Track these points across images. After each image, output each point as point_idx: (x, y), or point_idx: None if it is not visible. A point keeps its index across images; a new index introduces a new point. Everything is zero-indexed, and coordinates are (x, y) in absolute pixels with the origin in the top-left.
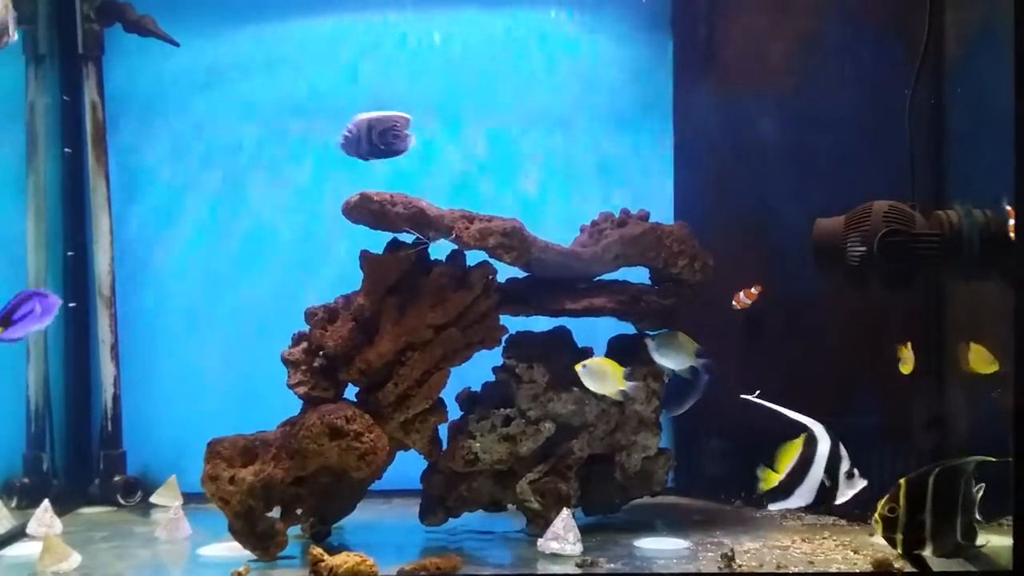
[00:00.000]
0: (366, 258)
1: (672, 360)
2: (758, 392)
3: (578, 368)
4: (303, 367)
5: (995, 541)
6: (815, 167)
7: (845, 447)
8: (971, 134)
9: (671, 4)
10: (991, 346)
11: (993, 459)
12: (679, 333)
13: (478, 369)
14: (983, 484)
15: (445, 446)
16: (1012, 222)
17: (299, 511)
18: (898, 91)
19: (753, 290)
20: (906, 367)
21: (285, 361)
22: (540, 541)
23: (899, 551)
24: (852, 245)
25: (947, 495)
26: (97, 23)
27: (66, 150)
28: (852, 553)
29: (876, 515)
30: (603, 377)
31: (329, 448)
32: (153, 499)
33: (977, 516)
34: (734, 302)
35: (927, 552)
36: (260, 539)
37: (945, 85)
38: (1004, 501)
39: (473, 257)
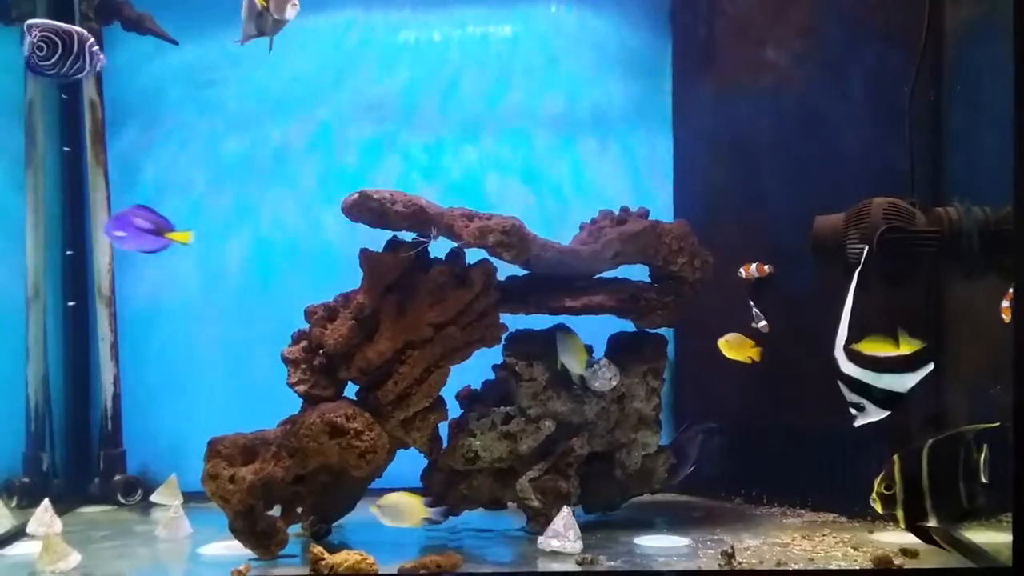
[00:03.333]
0: (366, 256)
1: (567, 360)
2: None
3: (373, 509)
4: (303, 365)
5: (996, 538)
6: (814, 164)
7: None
8: (970, 131)
9: (670, 3)
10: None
11: (990, 426)
12: (577, 340)
13: (478, 367)
14: (986, 446)
15: (445, 444)
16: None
17: (299, 509)
18: (897, 88)
19: (766, 267)
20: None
21: (285, 360)
22: (540, 539)
23: (902, 527)
24: (852, 242)
25: (945, 464)
26: (96, 21)
27: (65, 149)
28: (852, 550)
29: (874, 494)
30: (401, 514)
31: (329, 446)
32: (153, 498)
33: (983, 479)
34: (741, 271)
35: (931, 523)
36: (260, 538)
37: (944, 82)
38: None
39: (473, 255)
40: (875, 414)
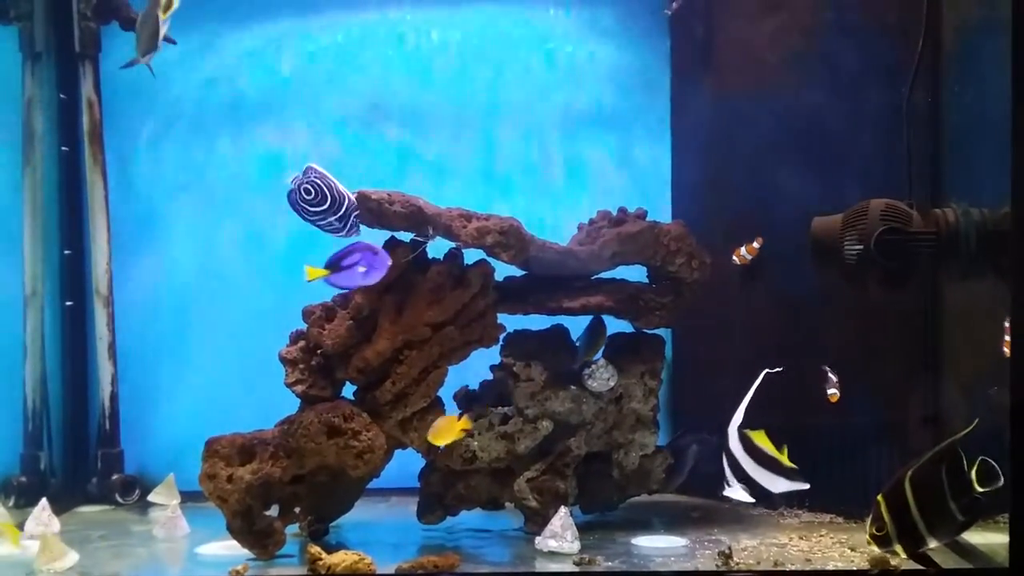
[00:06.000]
0: None
1: (581, 344)
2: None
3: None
4: (301, 366)
5: (992, 538)
6: (812, 166)
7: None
8: (968, 132)
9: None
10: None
11: (962, 434)
12: (600, 338)
13: (476, 367)
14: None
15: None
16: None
17: (297, 509)
18: (895, 90)
19: (755, 244)
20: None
21: (283, 360)
22: (538, 539)
23: (904, 556)
24: (849, 243)
25: (930, 490)
26: (94, 21)
27: (63, 148)
28: (849, 551)
29: (867, 537)
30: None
31: (327, 446)
32: (151, 498)
33: (978, 488)
34: (734, 257)
35: (931, 546)
36: (258, 537)
37: (942, 83)
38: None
39: (471, 256)
40: (742, 497)
